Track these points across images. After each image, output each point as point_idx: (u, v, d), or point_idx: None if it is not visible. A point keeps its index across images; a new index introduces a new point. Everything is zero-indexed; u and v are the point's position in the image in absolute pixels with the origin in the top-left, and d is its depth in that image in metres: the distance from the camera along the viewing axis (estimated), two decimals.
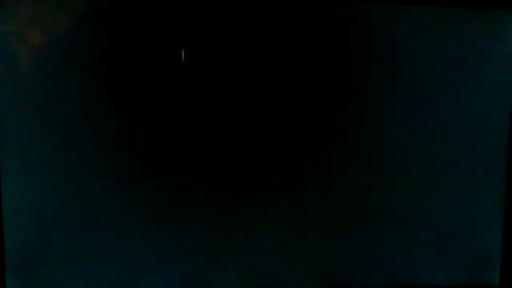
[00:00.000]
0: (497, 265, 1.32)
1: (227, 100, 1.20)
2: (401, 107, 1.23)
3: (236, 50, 1.18)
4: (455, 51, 1.23)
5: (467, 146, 1.27)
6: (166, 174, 1.21)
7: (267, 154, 1.23)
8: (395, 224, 1.28)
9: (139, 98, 1.18)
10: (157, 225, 1.23)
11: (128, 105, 1.18)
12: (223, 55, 1.18)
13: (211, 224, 1.24)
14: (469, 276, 1.32)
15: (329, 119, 1.22)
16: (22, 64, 1.15)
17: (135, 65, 1.17)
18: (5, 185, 1.19)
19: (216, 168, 1.22)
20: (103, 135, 1.18)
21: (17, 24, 1.13)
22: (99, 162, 1.19)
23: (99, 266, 1.24)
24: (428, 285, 1.32)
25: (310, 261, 1.28)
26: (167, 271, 1.25)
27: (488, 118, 1.26)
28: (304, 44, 1.19)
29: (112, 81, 1.17)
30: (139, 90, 1.18)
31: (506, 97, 1.26)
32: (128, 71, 1.17)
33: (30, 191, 1.19)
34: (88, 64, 1.16)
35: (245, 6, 1.17)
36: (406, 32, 1.21)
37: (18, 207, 1.20)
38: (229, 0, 1.16)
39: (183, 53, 1.16)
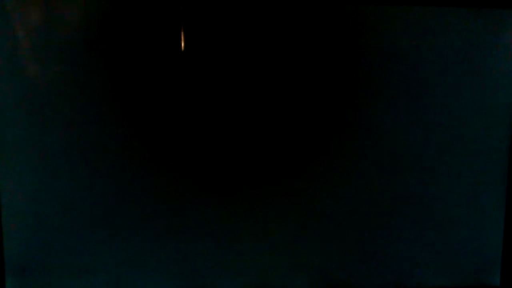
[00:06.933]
0: (497, 266, 1.32)
1: (230, 94, 1.20)
2: (401, 106, 1.23)
3: (238, 40, 1.18)
4: (455, 51, 1.22)
5: (468, 146, 1.27)
6: (167, 174, 1.21)
7: (269, 151, 1.22)
8: (396, 225, 1.29)
9: (138, 94, 1.17)
10: (157, 225, 1.23)
11: (127, 103, 1.18)
12: (226, 45, 1.18)
13: (211, 225, 1.24)
14: (470, 278, 1.32)
15: (329, 118, 1.22)
16: (21, 65, 1.15)
17: (133, 57, 1.16)
18: (4, 186, 1.19)
19: (217, 166, 1.22)
20: (103, 135, 1.18)
21: (18, 25, 1.14)
22: (99, 162, 1.19)
23: (99, 267, 1.24)
24: (428, 286, 1.32)
25: (310, 262, 1.28)
26: (167, 272, 1.25)
27: (489, 117, 1.26)
28: (306, 37, 1.19)
29: (111, 78, 1.17)
30: (138, 84, 1.17)
31: (507, 97, 1.25)
32: (126, 63, 1.16)
33: (30, 192, 1.20)
34: (87, 60, 1.15)
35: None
36: (405, 32, 1.21)
37: (18, 208, 1.20)
38: None
39: (182, 41, 1.15)
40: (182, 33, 1.16)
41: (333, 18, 1.19)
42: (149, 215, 1.22)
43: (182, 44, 1.16)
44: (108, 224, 1.22)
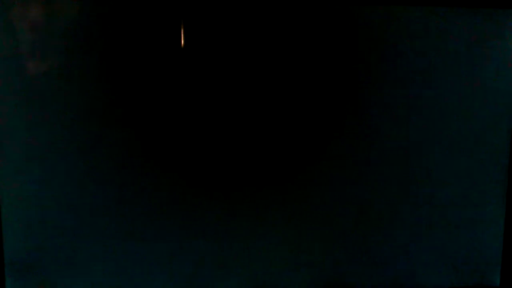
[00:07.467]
0: (497, 266, 1.32)
1: (231, 93, 1.20)
2: (401, 107, 1.24)
3: (239, 38, 1.18)
4: (455, 51, 1.23)
5: (468, 146, 1.27)
6: (166, 174, 1.21)
7: (269, 151, 1.22)
8: (397, 225, 1.28)
9: (137, 92, 1.17)
10: (157, 225, 1.23)
11: (127, 101, 1.18)
12: (226, 42, 1.17)
13: (211, 225, 1.24)
14: (470, 277, 1.32)
15: (330, 118, 1.22)
16: (21, 65, 1.15)
17: (133, 54, 1.16)
18: (4, 186, 1.18)
19: (217, 166, 1.22)
20: (102, 133, 1.18)
21: (17, 25, 1.14)
22: (99, 162, 1.19)
23: (99, 267, 1.23)
24: (428, 286, 1.31)
25: (311, 262, 1.28)
26: (167, 272, 1.25)
27: (489, 117, 1.26)
28: (306, 37, 1.19)
29: (110, 75, 1.17)
30: (137, 82, 1.17)
31: (507, 97, 1.25)
32: (125, 60, 1.16)
33: (30, 192, 1.19)
34: (86, 59, 1.15)
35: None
36: (405, 32, 1.21)
37: (18, 208, 1.20)
38: None
39: (182, 38, 1.15)
40: (182, 29, 1.16)
41: (333, 18, 1.19)
42: (149, 215, 1.22)
43: (182, 41, 1.16)
44: (108, 224, 1.22)
